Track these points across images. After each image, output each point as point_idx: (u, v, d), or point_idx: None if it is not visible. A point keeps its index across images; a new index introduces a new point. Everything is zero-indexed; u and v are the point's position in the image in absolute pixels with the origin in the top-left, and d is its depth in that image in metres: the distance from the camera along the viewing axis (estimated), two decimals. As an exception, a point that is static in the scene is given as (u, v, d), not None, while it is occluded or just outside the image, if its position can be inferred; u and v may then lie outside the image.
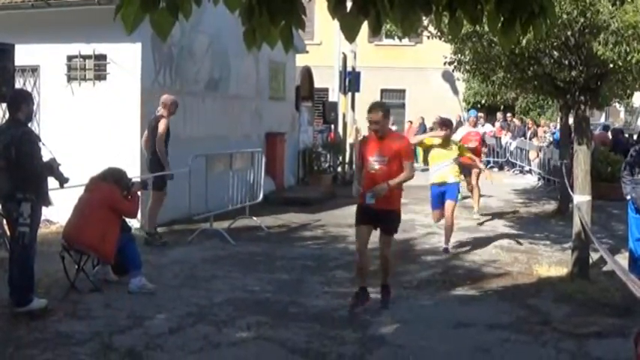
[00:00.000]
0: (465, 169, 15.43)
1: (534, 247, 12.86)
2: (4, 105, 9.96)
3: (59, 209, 9.57)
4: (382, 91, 35.83)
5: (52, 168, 8.08)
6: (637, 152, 9.85)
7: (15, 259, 7.87)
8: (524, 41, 9.10)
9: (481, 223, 15.48)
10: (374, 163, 8.55)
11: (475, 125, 20.04)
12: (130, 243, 9.10)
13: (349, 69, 23.99)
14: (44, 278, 9.07)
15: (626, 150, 22.09)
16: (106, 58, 13.61)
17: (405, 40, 26.56)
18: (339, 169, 23.60)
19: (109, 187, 9.10)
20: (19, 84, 12.19)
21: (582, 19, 9.48)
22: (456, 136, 16.19)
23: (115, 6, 3.47)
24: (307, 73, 23.07)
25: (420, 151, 31.38)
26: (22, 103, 8.03)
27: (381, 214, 8.49)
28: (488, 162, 29.67)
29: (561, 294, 9.41)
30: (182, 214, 13.22)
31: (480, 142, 18.87)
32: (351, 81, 23.90)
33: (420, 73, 33.47)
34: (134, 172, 11.57)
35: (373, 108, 8.57)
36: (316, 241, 13.26)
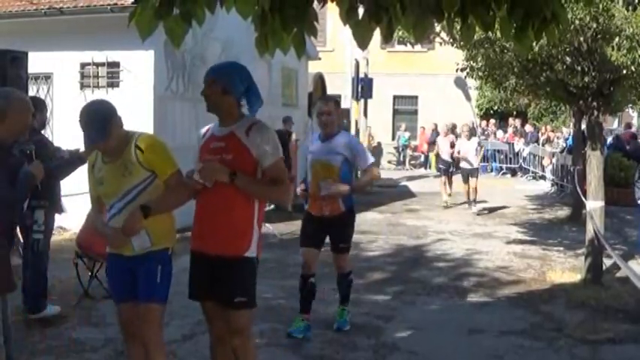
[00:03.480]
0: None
1: (547, 253, 12.83)
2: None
3: (72, 216, 9.60)
4: (394, 97, 35.83)
5: (70, 161, 7.94)
6: None
7: (29, 266, 7.90)
8: (536, 47, 9.09)
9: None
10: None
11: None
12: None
13: (362, 75, 24.02)
14: (58, 285, 9.10)
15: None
16: (119, 66, 13.67)
17: (418, 47, 26.64)
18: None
19: None
20: (32, 92, 12.24)
21: (595, 25, 9.46)
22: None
23: (129, 13, 3.49)
24: (320, 79, 23.10)
25: (432, 156, 31.63)
26: (36, 111, 8.04)
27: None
28: (501, 168, 29.66)
29: (574, 300, 9.38)
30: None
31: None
32: (363, 87, 23.92)
33: (433, 80, 33.44)
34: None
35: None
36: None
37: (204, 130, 5.39)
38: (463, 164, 18.75)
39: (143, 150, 4.89)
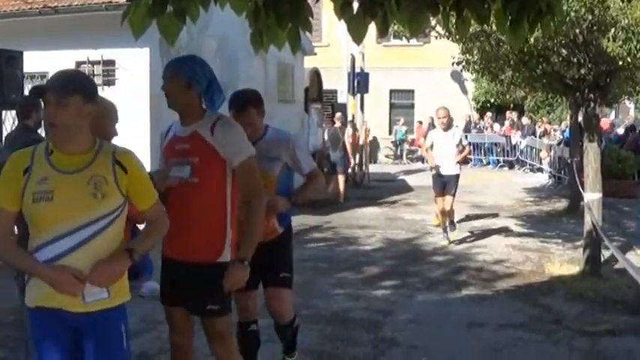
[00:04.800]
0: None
1: (545, 245, 12.83)
2: (13, 112, 9.99)
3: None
4: (391, 91, 35.82)
5: None
6: None
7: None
8: (532, 39, 9.09)
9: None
10: None
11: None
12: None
13: (358, 70, 23.98)
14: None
15: (638, 147, 22.17)
16: (115, 64, 13.65)
17: (413, 41, 26.57)
18: (350, 170, 23.60)
19: None
20: (28, 91, 12.24)
21: (590, 16, 9.46)
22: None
23: (122, 11, 3.48)
24: (316, 74, 23.08)
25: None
26: (31, 110, 8.03)
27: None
28: (498, 161, 29.67)
29: (573, 292, 9.38)
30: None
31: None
32: (359, 82, 23.87)
33: (429, 74, 33.42)
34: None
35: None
36: (327, 243, 13.26)
37: (165, 129, 5.08)
38: (437, 168, 12.96)
39: (127, 170, 3.79)
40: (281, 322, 6.02)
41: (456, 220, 13.92)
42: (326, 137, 21.24)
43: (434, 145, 12.99)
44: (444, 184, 12.90)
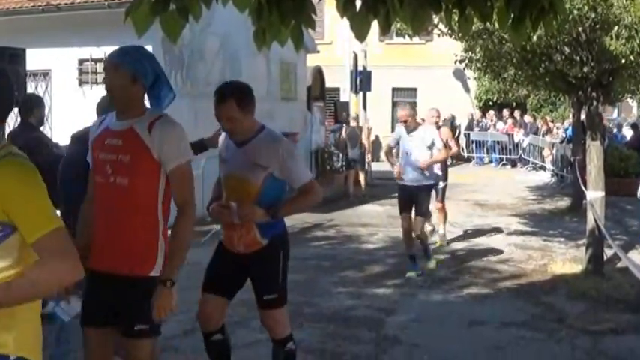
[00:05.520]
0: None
1: (548, 244, 12.83)
2: (16, 109, 10.00)
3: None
4: (393, 89, 35.74)
5: None
6: None
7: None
8: (534, 38, 9.08)
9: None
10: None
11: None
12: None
13: (360, 68, 23.97)
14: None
15: (640, 145, 22.16)
16: (118, 61, 13.66)
17: (416, 39, 26.43)
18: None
19: None
20: (30, 88, 12.26)
21: (593, 15, 9.44)
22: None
23: (125, 9, 3.48)
24: (318, 72, 23.07)
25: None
26: (34, 108, 8.05)
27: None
28: (500, 159, 29.64)
29: (575, 291, 9.38)
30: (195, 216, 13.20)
31: None
32: (362, 80, 23.87)
33: (431, 72, 33.35)
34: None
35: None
36: (329, 241, 13.26)
37: (97, 120, 4.63)
38: (408, 176, 10.16)
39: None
40: (271, 337, 5.46)
41: (446, 230, 12.85)
42: (344, 135, 21.28)
43: (410, 150, 10.24)
44: (410, 199, 10.20)
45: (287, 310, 5.38)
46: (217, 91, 5.11)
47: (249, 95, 5.12)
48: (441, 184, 12.27)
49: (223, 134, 5.41)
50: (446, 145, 11.28)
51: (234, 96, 5.00)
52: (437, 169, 11.42)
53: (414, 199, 10.15)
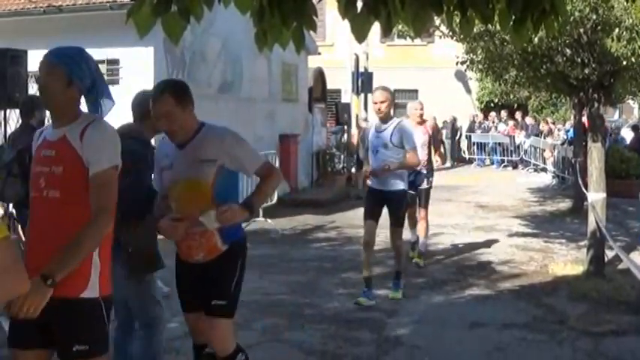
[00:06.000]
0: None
1: (549, 245, 12.82)
2: (17, 111, 10.02)
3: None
4: (395, 91, 35.71)
5: None
6: None
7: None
8: (536, 39, 9.07)
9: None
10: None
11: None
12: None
13: (361, 70, 23.97)
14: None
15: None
16: (119, 63, 13.67)
17: (417, 40, 26.49)
18: (353, 169, 23.60)
19: None
20: (32, 90, 12.25)
21: (594, 17, 9.45)
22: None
23: (127, 10, 3.48)
24: (319, 74, 23.08)
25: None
26: (35, 109, 8.07)
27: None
28: (502, 161, 29.64)
29: (577, 292, 9.37)
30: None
31: None
32: (363, 82, 23.87)
33: (433, 73, 33.35)
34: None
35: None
36: (330, 243, 13.26)
37: (38, 131, 4.32)
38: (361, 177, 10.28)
39: None
40: (218, 354, 4.93)
41: (426, 246, 11.30)
42: (356, 137, 21.31)
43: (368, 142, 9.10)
44: (379, 205, 8.88)
45: (233, 326, 5.05)
46: (153, 89, 4.90)
47: (185, 90, 4.87)
48: (424, 185, 10.90)
49: (159, 144, 5.15)
50: (431, 144, 10.91)
51: (169, 92, 4.74)
52: (422, 167, 10.40)
53: (385, 206, 8.89)
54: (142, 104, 5.40)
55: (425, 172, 10.76)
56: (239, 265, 4.92)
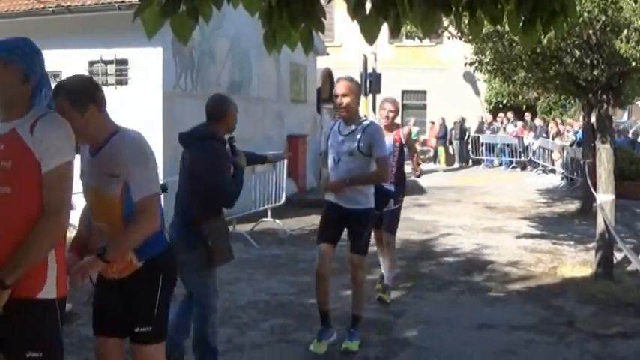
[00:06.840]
0: None
1: (558, 247, 12.79)
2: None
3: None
4: (403, 92, 35.74)
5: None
6: None
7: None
8: (545, 40, 9.06)
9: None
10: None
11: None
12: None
13: (370, 70, 23.98)
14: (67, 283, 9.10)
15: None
16: (128, 63, 13.70)
17: (426, 41, 26.56)
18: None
19: None
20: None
21: (603, 18, 9.43)
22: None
23: (135, 11, 3.49)
24: (328, 75, 23.08)
25: (441, 151, 31.58)
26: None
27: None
28: (510, 162, 29.60)
29: (585, 294, 9.36)
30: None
31: None
32: (372, 82, 23.88)
33: (441, 74, 33.34)
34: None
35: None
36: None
37: None
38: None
39: None
40: None
41: (392, 279, 9.36)
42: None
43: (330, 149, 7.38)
44: (338, 224, 7.26)
45: (164, 348, 4.62)
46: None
47: (84, 91, 4.22)
48: (392, 206, 8.71)
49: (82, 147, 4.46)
50: (401, 155, 8.94)
51: (63, 92, 4.12)
52: (388, 184, 8.21)
53: (345, 226, 7.25)
54: (219, 106, 6.05)
55: (392, 189, 8.55)
56: (160, 283, 4.37)
